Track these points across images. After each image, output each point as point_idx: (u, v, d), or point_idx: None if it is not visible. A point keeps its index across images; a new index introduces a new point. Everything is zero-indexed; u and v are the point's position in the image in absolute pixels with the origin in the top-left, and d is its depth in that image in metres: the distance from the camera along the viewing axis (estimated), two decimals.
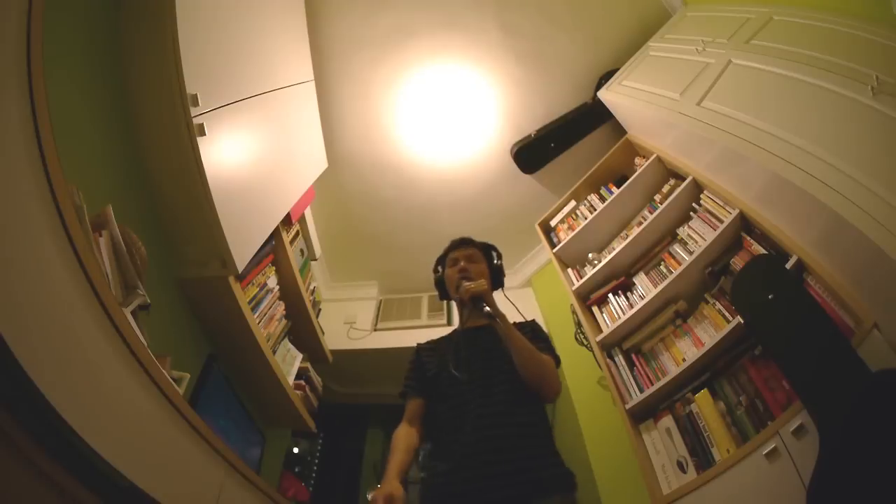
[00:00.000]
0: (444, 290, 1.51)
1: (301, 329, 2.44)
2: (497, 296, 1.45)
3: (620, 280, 2.21)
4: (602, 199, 2.53)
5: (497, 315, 1.24)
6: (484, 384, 1.21)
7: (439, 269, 1.54)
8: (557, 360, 1.32)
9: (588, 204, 2.61)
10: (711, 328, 1.75)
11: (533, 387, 1.20)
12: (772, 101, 1.61)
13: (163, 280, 1.62)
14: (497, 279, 1.51)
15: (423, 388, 1.32)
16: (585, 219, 2.47)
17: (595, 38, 2.72)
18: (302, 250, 2.65)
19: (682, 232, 2.03)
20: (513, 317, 1.42)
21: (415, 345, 1.47)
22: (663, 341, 1.93)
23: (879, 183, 1.19)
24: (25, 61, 0.84)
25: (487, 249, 1.54)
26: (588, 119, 2.83)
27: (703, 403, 1.62)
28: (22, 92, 0.82)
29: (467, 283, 1.30)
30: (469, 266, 1.43)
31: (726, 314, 1.70)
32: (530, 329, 1.39)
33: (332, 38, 2.62)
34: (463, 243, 1.52)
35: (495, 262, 1.52)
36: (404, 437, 1.22)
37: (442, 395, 1.25)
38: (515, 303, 1.67)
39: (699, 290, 1.89)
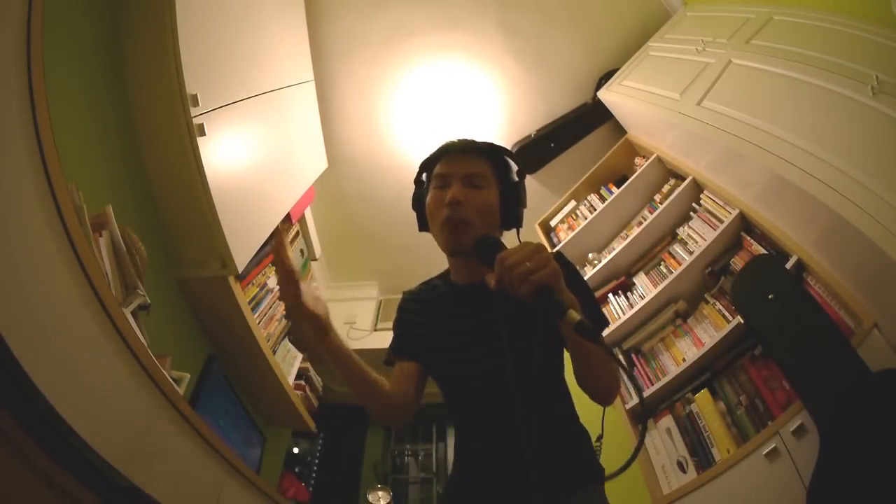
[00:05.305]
0: (422, 219, 0.94)
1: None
2: (509, 238, 0.79)
3: (620, 280, 2.21)
4: (602, 199, 2.52)
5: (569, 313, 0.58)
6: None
7: (423, 179, 0.96)
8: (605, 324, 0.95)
9: (588, 204, 2.60)
10: (711, 328, 1.75)
11: (592, 393, 0.78)
12: (772, 101, 1.61)
13: (163, 280, 1.62)
14: (512, 212, 0.88)
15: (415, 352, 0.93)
16: (585, 219, 2.47)
17: (595, 39, 2.72)
18: (302, 250, 2.65)
19: (682, 232, 2.03)
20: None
21: None
22: (663, 341, 1.93)
23: (879, 183, 1.19)
24: (25, 61, 0.84)
25: (498, 158, 0.90)
26: (588, 119, 2.82)
27: (703, 403, 1.62)
28: (22, 91, 0.82)
29: (520, 265, 0.60)
30: (464, 195, 0.83)
31: (726, 314, 1.70)
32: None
33: (332, 38, 2.62)
34: (461, 151, 0.89)
35: (514, 179, 0.90)
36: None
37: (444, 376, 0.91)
38: None
39: (699, 290, 1.89)
